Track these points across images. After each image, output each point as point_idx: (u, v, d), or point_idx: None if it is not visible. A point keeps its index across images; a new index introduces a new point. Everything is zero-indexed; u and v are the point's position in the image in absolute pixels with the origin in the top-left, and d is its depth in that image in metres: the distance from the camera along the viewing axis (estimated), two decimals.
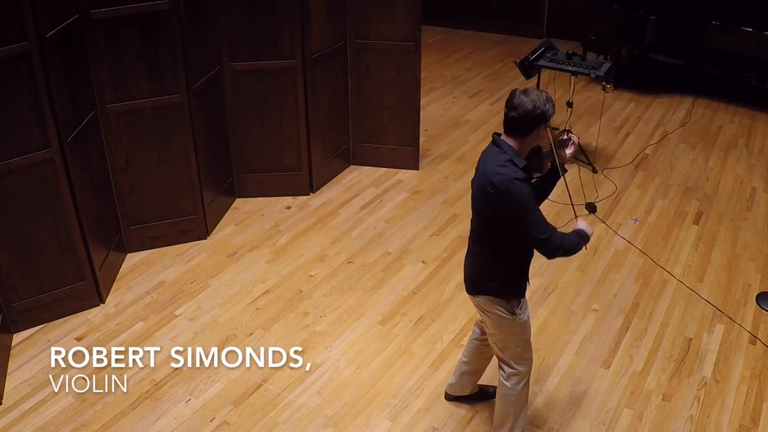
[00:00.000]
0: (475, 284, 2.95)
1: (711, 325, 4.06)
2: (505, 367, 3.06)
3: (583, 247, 2.86)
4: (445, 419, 3.44)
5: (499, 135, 2.75)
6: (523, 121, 2.63)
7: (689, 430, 3.39)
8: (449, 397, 3.52)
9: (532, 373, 3.68)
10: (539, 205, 2.79)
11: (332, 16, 5.04)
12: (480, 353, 3.31)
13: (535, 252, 2.85)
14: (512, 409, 3.11)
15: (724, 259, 4.64)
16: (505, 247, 2.82)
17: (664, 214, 5.15)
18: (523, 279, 2.93)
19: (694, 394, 3.59)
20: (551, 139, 2.81)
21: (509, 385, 3.06)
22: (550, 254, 2.74)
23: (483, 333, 3.21)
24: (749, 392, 3.61)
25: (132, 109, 4.23)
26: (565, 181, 2.89)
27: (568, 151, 2.90)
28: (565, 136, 2.97)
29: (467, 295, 3.02)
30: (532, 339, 3.87)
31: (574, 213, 3.18)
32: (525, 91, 2.65)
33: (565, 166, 2.90)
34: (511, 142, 2.71)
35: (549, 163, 2.90)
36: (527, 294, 3.01)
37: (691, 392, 3.60)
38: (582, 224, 2.89)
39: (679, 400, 3.56)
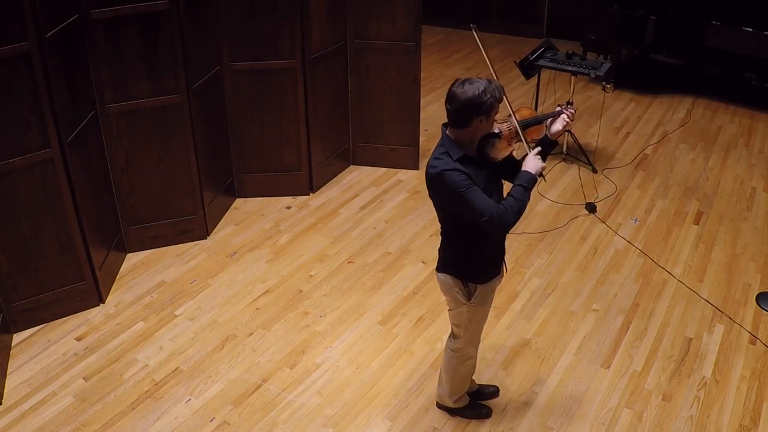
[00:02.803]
0: (440, 261, 3.02)
1: (711, 325, 4.05)
2: (452, 336, 3.17)
3: (541, 178, 2.81)
4: (445, 419, 3.44)
5: (447, 127, 2.75)
6: (457, 113, 2.62)
7: (689, 430, 3.39)
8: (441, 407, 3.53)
9: (532, 373, 3.70)
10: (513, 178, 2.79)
11: (332, 16, 5.04)
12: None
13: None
14: (450, 372, 3.24)
15: (724, 259, 4.64)
16: (455, 231, 2.87)
17: (664, 214, 5.15)
18: (482, 266, 2.92)
19: (694, 394, 3.59)
20: (515, 122, 2.78)
21: (451, 350, 3.18)
22: (498, 231, 2.69)
23: None
24: (749, 392, 3.61)
25: (132, 109, 4.23)
26: (527, 144, 2.80)
27: (555, 127, 2.85)
28: (558, 109, 2.90)
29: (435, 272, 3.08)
30: (531, 339, 3.88)
31: (527, 148, 2.84)
32: (463, 82, 2.60)
33: (557, 140, 2.89)
34: (451, 133, 2.72)
35: (525, 144, 2.81)
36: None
37: (691, 392, 3.60)
38: (530, 161, 2.76)
39: (679, 400, 3.56)
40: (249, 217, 5.07)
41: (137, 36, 4.07)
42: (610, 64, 5.92)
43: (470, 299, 2.96)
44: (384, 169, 5.70)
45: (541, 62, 5.85)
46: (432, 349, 3.88)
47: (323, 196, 5.35)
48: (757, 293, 4.30)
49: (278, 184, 5.27)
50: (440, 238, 3.01)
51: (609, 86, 7.31)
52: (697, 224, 5.03)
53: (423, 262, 4.59)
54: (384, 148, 5.65)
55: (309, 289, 4.34)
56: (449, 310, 3.12)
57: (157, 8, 4.04)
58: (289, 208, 5.20)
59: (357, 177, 5.63)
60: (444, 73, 7.87)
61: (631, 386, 3.64)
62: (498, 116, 2.75)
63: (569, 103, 5.79)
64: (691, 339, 3.96)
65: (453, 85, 2.64)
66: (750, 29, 6.53)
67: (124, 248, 4.61)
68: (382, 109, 5.49)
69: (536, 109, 6.42)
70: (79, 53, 3.91)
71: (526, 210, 2.77)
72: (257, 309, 4.17)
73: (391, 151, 5.66)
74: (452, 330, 3.18)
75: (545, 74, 6.39)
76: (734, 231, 4.95)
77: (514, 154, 2.90)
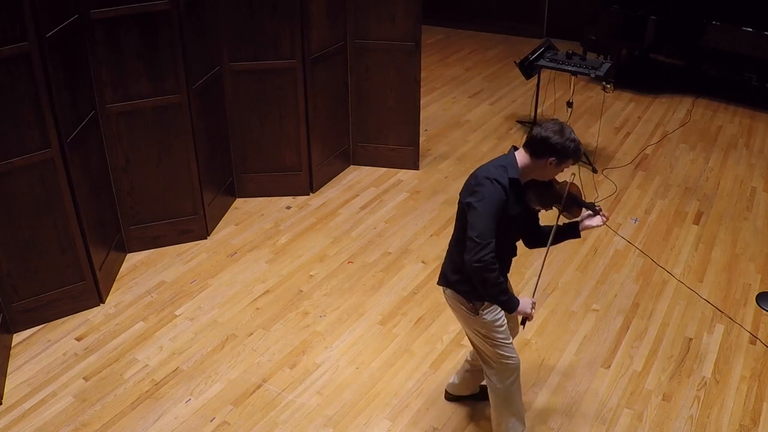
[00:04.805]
0: (443, 275, 2.97)
1: (711, 325, 4.05)
2: (485, 367, 3.06)
3: (520, 323, 2.88)
4: (445, 419, 3.44)
5: (517, 148, 2.76)
6: (537, 141, 2.64)
7: (689, 430, 3.39)
8: (450, 397, 3.52)
9: (532, 373, 3.69)
10: (530, 242, 2.88)
11: (332, 16, 5.04)
12: None
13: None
14: (502, 405, 3.09)
15: (724, 259, 4.64)
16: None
17: (664, 214, 5.15)
18: None
19: (694, 394, 3.59)
20: (565, 191, 2.80)
21: (493, 381, 3.06)
22: (469, 260, 2.62)
23: None
24: (749, 392, 3.61)
25: (132, 109, 4.23)
26: (553, 239, 2.89)
27: (588, 221, 2.90)
28: (597, 207, 2.92)
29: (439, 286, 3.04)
30: (531, 339, 3.88)
31: (536, 285, 3.17)
32: (560, 123, 2.66)
33: (580, 232, 2.92)
34: (519, 155, 2.72)
35: (557, 210, 2.86)
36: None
37: (691, 392, 3.60)
38: (525, 300, 2.81)
39: (679, 400, 3.56)
40: (249, 217, 5.07)
41: (137, 36, 4.07)
42: (610, 64, 5.93)
43: (478, 312, 2.88)
44: (384, 169, 5.70)
45: (541, 62, 5.85)
46: (432, 349, 3.88)
47: (323, 196, 5.35)
48: (757, 293, 4.30)
49: (278, 184, 5.27)
50: (449, 248, 2.95)
51: (609, 86, 7.31)
52: (697, 224, 5.03)
53: (423, 262, 4.59)
54: (384, 148, 5.65)
55: (309, 289, 4.34)
56: (467, 336, 3.03)
57: (157, 8, 4.04)
58: (289, 208, 5.20)
59: (357, 177, 5.63)
60: (444, 73, 7.87)
61: (631, 386, 3.64)
62: (558, 176, 2.81)
63: (569, 103, 5.80)
64: (691, 339, 3.96)
65: (551, 119, 2.70)
66: (750, 29, 6.53)
67: (124, 248, 4.61)
68: (382, 109, 5.50)
69: (536, 109, 6.42)
70: (79, 53, 3.91)
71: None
72: (257, 309, 4.17)
73: (391, 151, 5.66)
74: (481, 359, 3.04)
75: (545, 74, 6.40)
76: (734, 231, 4.95)
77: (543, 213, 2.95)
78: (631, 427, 3.40)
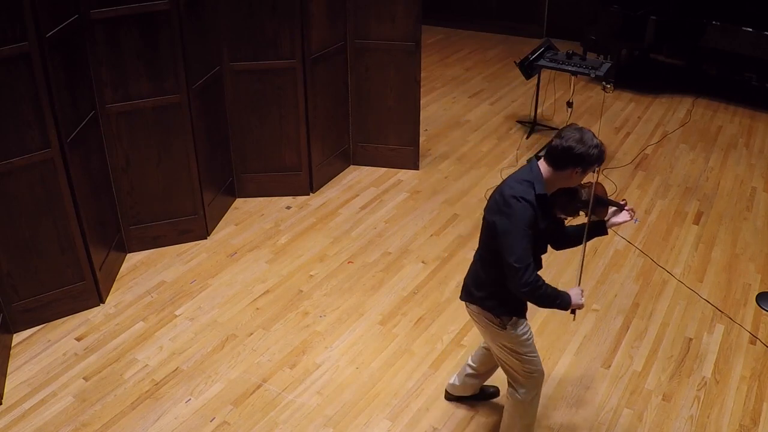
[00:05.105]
0: (467, 291, 2.92)
1: (711, 325, 4.06)
2: (512, 381, 3.00)
3: (570, 312, 2.80)
4: (445, 419, 3.44)
5: (539, 158, 2.70)
6: (559, 153, 2.58)
7: (689, 430, 3.39)
8: (449, 397, 3.52)
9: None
10: (557, 244, 2.82)
11: (332, 16, 5.04)
12: (489, 360, 3.26)
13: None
14: (518, 414, 3.05)
15: (724, 259, 4.64)
16: (496, 262, 2.71)
17: (664, 214, 5.16)
18: (518, 300, 2.80)
19: (694, 394, 3.59)
20: (591, 193, 2.75)
21: (519, 398, 2.99)
22: (515, 287, 2.61)
23: None
24: (749, 392, 3.61)
25: (132, 109, 4.23)
26: (586, 238, 2.84)
27: (615, 219, 2.86)
28: (623, 202, 2.89)
29: (462, 301, 2.98)
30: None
31: (579, 278, 3.00)
32: (580, 129, 2.59)
33: (608, 229, 2.88)
34: (543, 168, 2.65)
35: (584, 215, 2.83)
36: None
37: (691, 392, 3.60)
38: (574, 291, 2.77)
39: (679, 400, 3.56)
40: (249, 217, 5.07)
41: (137, 36, 4.07)
42: (610, 64, 5.93)
43: (505, 327, 2.83)
44: (384, 169, 5.70)
45: (541, 62, 5.85)
46: (432, 349, 3.88)
47: (323, 196, 5.35)
48: (757, 293, 4.30)
49: (278, 184, 5.27)
50: (473, 263, 2.91)
51: (609, 86, 7.32)
52: (697, 224, 5.03)
53: (423, 262, 4.59)
54: (384, 148, 5.65)
55: (309, 289, 4.34)
56: (490, 345, 2.98)
57: (157, 8, 4.04)
58: (289, 208, 5.20)
59: (357, 177, 5.63)
60: (444, 73, 7.87)
61: (631, 386, 3.64)
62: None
63: (569, 103, 5.80)
64: (691, 339, 3.96)
65: (569, 126, 2.62)
66: (750, 29, 6.53)
67: (124, 248, 4.61)
68: (382, 109, 5.50)
69: (536, 109, 6.43)
70: (79, 53, 3.91)
71: None
72: (257, 309, 4.17)
73: (391, 151, 5.66)
74: (506, 374, 3.00)
75: (545, 74, 6.40)
76: (734, 231, 4.95)
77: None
78: (631, 427, 3.40)
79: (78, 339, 3.92)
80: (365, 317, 4.11)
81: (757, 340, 3.94)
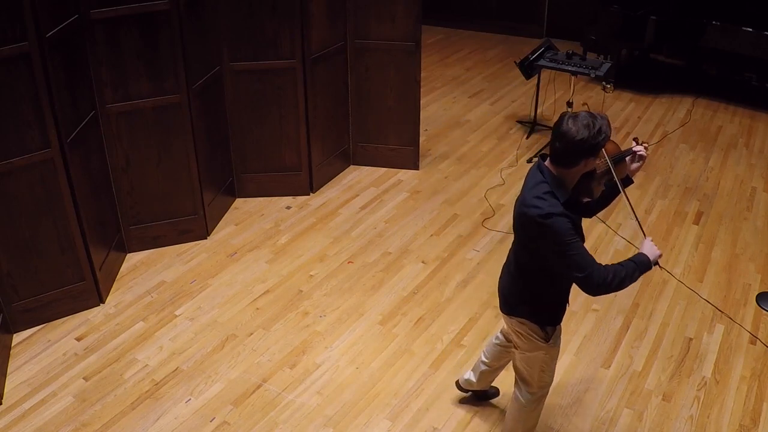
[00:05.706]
0: (509, 304, 2.83)
1: (711, 325, 4.06)
2: (522, 385, 2.99)
3: (656, 266, 2.64)
4: (445, 419, 3.44)
5: (546, 158, 2.55)
6: (567, 153, 2.43)
7: (689, 430, 3.39)
8: (460, 388, 3.50)
9: None
10: (591, 214, 2.74)
11: (332, 16, 5.04)
12: (502, 356, 3.25)
13: None
14: (520, 417, 3.05)
15: (724, 259, 4.64)
16: (542, 276, 2.67)
17: (664, 214, 5.16)
18: (561, 307, 2.79)
19: (694, 394, 3.59)
20: (607, 159, 2.62)
21: (524, 402, 2.99)
22: (591, 292, 2.50)
23: (508, 341, 3.14)
24: (749, 392, 3.61)
25: (132, 109, 4.23)
26: (627, 197, 2.72)
27: (634, 165, 2.74)
28: (634, 146, 2.77)
29: (502, 313, 2.90)
30: None
31: (642, 231, 2.87)
32: (574, 118, 2.38)
33: (632, 177, 2.78)
34: (554, 170, 2.51)
35: (605, 183, 2.74)
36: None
37: (691, 392, 3.60)
38: (647, 245, 2.62)
39: (679, 400, 3.56)
40: (249, 217, 5.07)
41: (137, 36, 4.07)
42: (610, 64, 5.93)
43: (548, 341, 2.78)
44: (384, 169, 5.70)
45: (541, 62, 5.86)
46: (432, 349, 3.88)
47: (323, 196, 5.35)
48: (757, 293, 4.30)
49: (278, 184, 5.27)
50: (504, 270, 2.85)
51: (609, 86, 7.32)
52: (697, 224, 5.03)
53: (423, 262, 4.59)
54: (384, 148, 5.65)
55: (309, 289, 4.34)
56: (520, 354, 2.91)
57: (157, 8, 4.04)
58: (289, 208, 5.20)
59: (357, 177, 5.63)
60: (444, 73, 7.87)
61: (631, 386, 3.64)
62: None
63: (569, 103, 5.80)
64: (691, 339, 3.96)
65: (562, 120, 2.42)
66: (750, 29, 6.53)
67: (124, 248, 4.61)
68: (382, 109, 5.50)
69: (536, 109, 6.43)
70: (79, 53, 3.91)
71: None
72: (257, 309, 4.17)
73: (391, 151, 5.66)
74: (520, 381, 2.98)
75: (545, 74, 6.40)
76: (734, 231, 4.95)
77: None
78: (631, 427, 3.40)
79: (78, 339, 3.92)
80: (365, 317, 4.11)
81: (757, 340, 3.94)
